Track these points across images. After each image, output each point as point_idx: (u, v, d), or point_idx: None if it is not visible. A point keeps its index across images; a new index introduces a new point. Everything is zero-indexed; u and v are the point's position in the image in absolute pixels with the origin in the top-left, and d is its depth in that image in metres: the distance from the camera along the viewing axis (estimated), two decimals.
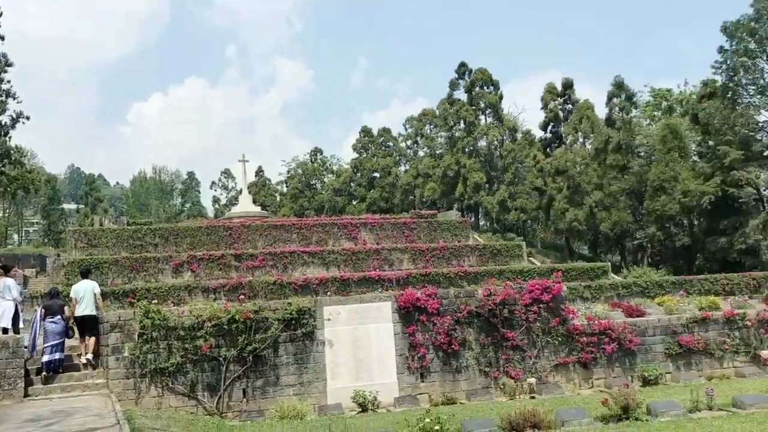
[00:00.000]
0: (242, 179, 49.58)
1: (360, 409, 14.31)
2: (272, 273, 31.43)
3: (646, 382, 15.23)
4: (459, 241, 37.60)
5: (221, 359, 13.62)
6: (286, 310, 14.27)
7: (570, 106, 54.42)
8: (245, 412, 13.77)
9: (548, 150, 55.22)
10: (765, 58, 42.06)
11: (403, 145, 79.06)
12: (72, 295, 14.58)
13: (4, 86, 44.58)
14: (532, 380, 15.11)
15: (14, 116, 44.68)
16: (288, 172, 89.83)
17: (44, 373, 13.33)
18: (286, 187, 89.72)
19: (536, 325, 15.60)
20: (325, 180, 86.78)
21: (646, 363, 15.78)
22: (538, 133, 58.61)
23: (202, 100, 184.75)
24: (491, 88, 60.13)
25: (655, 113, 61.15)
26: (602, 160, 48.77)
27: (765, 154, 41.20)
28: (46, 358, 13.42)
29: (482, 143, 60.23)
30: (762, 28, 41.02)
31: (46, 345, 13.51)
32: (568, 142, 52.96)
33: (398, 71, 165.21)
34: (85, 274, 15.35)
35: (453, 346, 15.14)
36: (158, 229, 33.84)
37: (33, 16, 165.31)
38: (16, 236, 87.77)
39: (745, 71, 42.28)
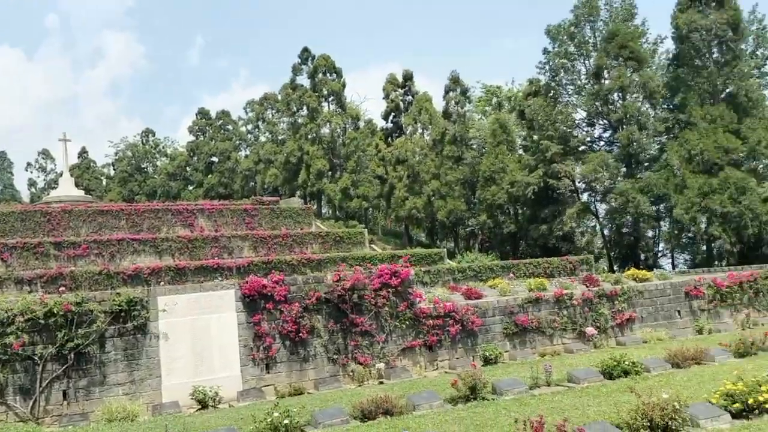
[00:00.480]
0: (63, 160, 44.77)
1: (200, 406, 13.29)
2: (97, 262, 28.98)
3: (487, 362, 15.89)
4: (302, 229, 37.33)
5: (36, 358, 12.04)
6: (114, 301, 12.87)
7: (410, 97, 55.97)
8: (66, 417, 12.22)
9: (390, 139, 56.44)
10: (582, 60, 46.23)
11: (243, 129, 76.66)
12: None
13: None
14: (381, 365, 15.12)
15: None
16: (116, 154, 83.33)
17: None
18: (114, 170, 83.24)
19: (385, 310, 15.62)
20: (158, 163, 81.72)
21: (486, 343, 16.51)
22: (380, 123, 59.80)
23: (17, 73, 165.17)
24: (334, 75, 60.03)
25: (486, 108, 64.97)
26: (439, 150, 50.83)
27: (580, 149, 45.31)
28: None
29: (325, 130, 60.01)
30: (580, 32, 45.02)
31: None
32: (408, 132, 54.44)
33: (239, 53, 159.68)
34: None
35: (301, 334, 14.67)
36: None
37: None
38: None
39: (565, 72, 46.16)
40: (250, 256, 32.10)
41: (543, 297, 17.82)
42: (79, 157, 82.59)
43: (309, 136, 58.92)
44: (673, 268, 43.66)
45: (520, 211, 48.72)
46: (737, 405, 9.18)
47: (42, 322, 12.07)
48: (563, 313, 17.85)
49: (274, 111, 72.76)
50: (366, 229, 42.24)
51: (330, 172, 58.30)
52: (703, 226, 38.41)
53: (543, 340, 17.47)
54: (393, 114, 56.57)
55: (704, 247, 42.99)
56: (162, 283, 31.95)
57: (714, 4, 39.71)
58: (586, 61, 45.80)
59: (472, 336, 16.66)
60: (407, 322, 15.83)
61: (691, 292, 20.13)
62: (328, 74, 59.86)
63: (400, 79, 56.53)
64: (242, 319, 13.97)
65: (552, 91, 46.58)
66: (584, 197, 47.38)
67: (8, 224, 29.88)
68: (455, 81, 53.18)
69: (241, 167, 69.58)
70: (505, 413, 9.96)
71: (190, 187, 74.35)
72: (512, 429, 8.50)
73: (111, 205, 36.30)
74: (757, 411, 9.15)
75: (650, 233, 46.08)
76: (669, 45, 50.65)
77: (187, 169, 75.44)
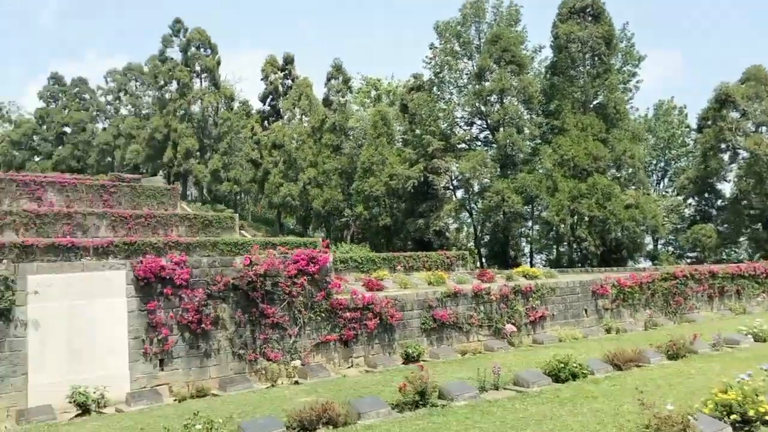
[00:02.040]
0: None
1: (80, 411, 10.89)
2: None
3: (408, 359, 14.86)
4: (166, 210, 34.95)
5: None
6: None
7: (290, 81, 54.02)
8: None
9: (266, 123, 54.14)
10: (465, 60, 46.99)
11: (102, 99, 69.97)
12: None
13: None
14: (297, 363, 13.56)
15: None
16: None
17: None
18: None
19: (299, 300, 13.97)
20: (0, 129, 72.38)
21: (404, 339, 15.46)
22: (257, 105, 57.20)
23: None
24: (209, 51, 56.47)
25: (365, 100, 64.44)
26: (318, 138, 49.46)
27: (460, 146, 46.07)
28: None
29: (196, 108, 56.31)
30: (466, 32, 45.69)
31: None
32: (286, 117, 52.48)
33: (96, 19, 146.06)
34: None
35: (204, 325, 12.63)
36: None
37: None
38: None
39: (449, 69, 46.67)
40: (108, 236, 29.67)
41: (461, 291, 17.09)
42: None
43: (178, 113, 55.03)
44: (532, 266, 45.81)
45: (395, 205, 48.69)
46: (734, 416, 8.39)
47: None
48: (480, 309, 17.29)
49: (138, 83, 67.25)
50: (237, 214, 40.28)
51: (199, 153, 54.79)
52: (569, 228, 40.52)
53: (460, 336, 16.75)
54: (271, 97, 54.28)
55: (567, 248, 45.50)
56: (5, 261, 28.30)
57: (591, 18, 41.99)
58: (470, 62, 46.60)
59: (389, 331, 15.51)
60: (322, 314, 14.30)
61: (598, 290, 20.44)
62: (202, 49, 56.21)
63: (280, 61, 54.33)
64: (134, 306, 11.68)
65: (435, 87, 46.92)
66: (459, 194, 48.33)
67: None
68: (338, 69, 52.03)
69: (98, 140, 63.61)
70: (473, 426, 8.80)
71: (37, 158, 66.70)
72: None
73: None
74: (758, 423, 8.41)
75: (519, 232, 47.96)
76: (547, 53, 53.10)
77: (35, 138, 67.64)
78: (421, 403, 9.78)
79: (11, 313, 10.63)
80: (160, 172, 57.69)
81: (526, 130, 43.12)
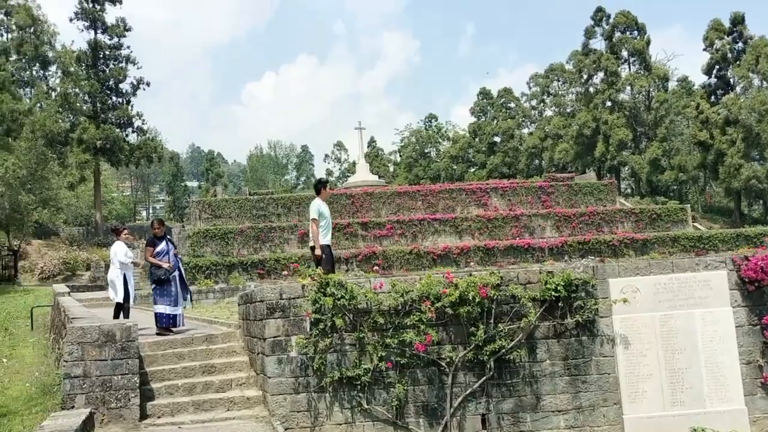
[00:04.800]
0: (359, 147, 45.74)
1: None
2: (401, 242, 29.37)
3: None
4: (604, 206, 33.20)
5: (444, 364, 8.05)
6: (546, 284, 8.21)
7: (741, 44, 46.04)
8: None
9: (714, 97, 47.22)
10: None
11: (526, 105, 72.32)
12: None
13: (124, 51, 43.14)
14: None
15: (135, 82, 43.38)
16: (401, 140, 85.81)
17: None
18: (400, 156, 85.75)
19: None
20: (441, 148, 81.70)
21: None
22: (699, 80, 50.59)
23: (312, 77, 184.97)
24: (636, 32, 52.59)
25: None
26: None
27: None
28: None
29: (625, 96, 53.01)
30: None
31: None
32: (740, 87, 44.84)
33: (507, 36, 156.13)
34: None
35: None
36: (280, 198, 31.89)
37: (146, 2, 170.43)
38: (144, 212, 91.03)
39: None
40: (554, 236, 29.88)
41: None
42: (368, 146, 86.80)
43: (606, 104, 52.59)
44: None
45: None
46: None
47: (449, 311, 7.98)
48: None
49: (560, 83, 67.31)
50: (687, 205, 35.95)
51: (633, 143, 51.23)
52: None
53: None
54: (718, 67, 47.19)
55: None
56: (471, 263, 30.29)
57: None
58: None
59: None
60: None
61: None
62: (627, 32, 52.72)
63: (726, 24, 46.81)
64: (742, 319, 8.30)
65: None
66: None
67: None
68: None
69: (526, 145, 65.60)
70: None
71: (473, 169, 72.67)
72: None
73: (407, 187, 36.44)
74: None
75: None
76: None
77: (469, 150, 73.88)
78: None
79: (594, 326, 8.30)
80: (589, 168, 56.05)
81: None
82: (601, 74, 53.40)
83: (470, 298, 7.81)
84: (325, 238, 9.94)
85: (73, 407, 7.31)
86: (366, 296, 8.00)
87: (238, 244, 27.57)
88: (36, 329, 16.03)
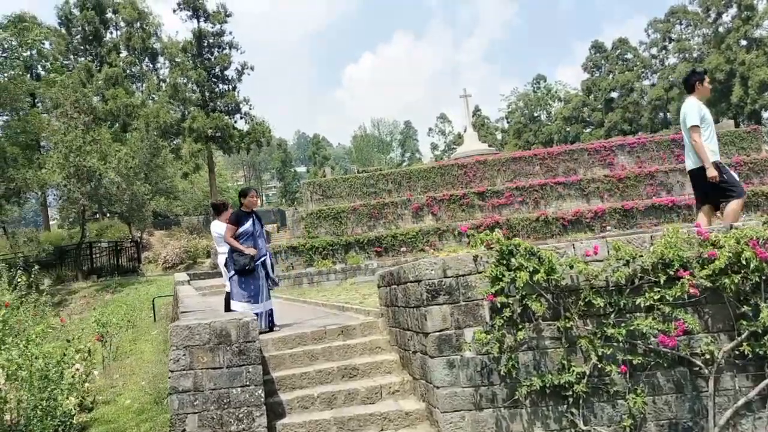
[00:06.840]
0: (466, 115, 43.43)
1: None
2: (522, 210, 27.82)
3: None
4: (747, 155, 29.21)
5: (698, 363, 5.54)
6: None
7: None
8: None
9: None
10: None
11: (646, 54, 66.64)
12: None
13: (226, 38, 43.51)
14: None
15: (239, 68, 43.73)
16: (507, 106, 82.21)
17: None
18: (507, 123, 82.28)
19: None
20: (551, 110, 77.47)
21: None
22: None
23: (410, 53, 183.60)
24: None
25: None
26: None
27: None
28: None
29: (762, 32, 47.11)
30: None
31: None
32: None
33: None
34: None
35: None
36: (390, 174, 30.92)
37: None
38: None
39: None
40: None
41: None
42: (473, 116, 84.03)
43: (741, 43, 46.99)
44: None
45: None
46: None
47: (705, 284, 5.44)
48: None
49: (683, 26, 61.28)
50: None
51: None
52: None
53: None
54: None
55: None
56: (608, 227, 27.97)
57: None
58: None
59: None
60: None
61: None
62: None
63: None
64: None
65: None
66: None
67: (429, 180, 29.73)
68: None
69: (648, 97, 60.55)
70: None
71: (588, 129, 68.21)
72: None
73: (522, 153, 34.33)
74: None
75: None
76: None
77: (584, 110, 69.37)
78: None
79: None
80: (721, 117, 50.52)
81: None
82: (732, 10, 47.85)
83: (743, 263, 5.40)
84: (713, 153, 6.88)
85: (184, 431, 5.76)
86: (572, 267, 5.64)
87: (352, 223, 27.13)
88: (158, 321, 15.73)
